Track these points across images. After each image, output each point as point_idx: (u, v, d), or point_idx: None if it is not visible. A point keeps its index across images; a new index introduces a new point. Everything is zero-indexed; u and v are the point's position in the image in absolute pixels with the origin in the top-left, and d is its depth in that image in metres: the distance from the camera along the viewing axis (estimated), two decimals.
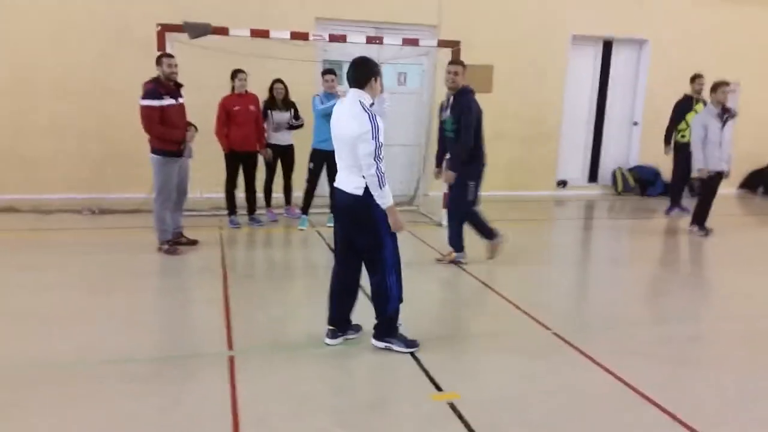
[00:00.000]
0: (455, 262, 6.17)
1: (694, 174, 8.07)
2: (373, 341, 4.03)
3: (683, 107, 9.07)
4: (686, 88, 9.06)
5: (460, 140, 5.72)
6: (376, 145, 3.63)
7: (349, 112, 3.72)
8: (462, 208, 6.00)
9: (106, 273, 5.69)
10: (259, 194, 7.86)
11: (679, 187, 9.36)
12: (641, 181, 10.97)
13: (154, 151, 6.12)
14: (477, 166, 5.88)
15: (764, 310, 5.26)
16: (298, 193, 8.21)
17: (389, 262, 3.87)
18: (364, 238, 3.88)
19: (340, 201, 3.92)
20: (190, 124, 6.50)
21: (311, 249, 6.93)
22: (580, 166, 11.27)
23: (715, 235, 7.80)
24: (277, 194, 8.12)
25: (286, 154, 7.93)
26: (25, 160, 8.59)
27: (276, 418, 3.22)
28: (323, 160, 7.34)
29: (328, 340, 4.14)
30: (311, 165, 7.40)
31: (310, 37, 7.65)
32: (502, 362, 3.98)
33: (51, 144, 8.63)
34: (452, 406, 3.36)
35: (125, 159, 8.42)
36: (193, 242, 6.65)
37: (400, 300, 3.95)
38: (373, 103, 3.79)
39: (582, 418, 3.32)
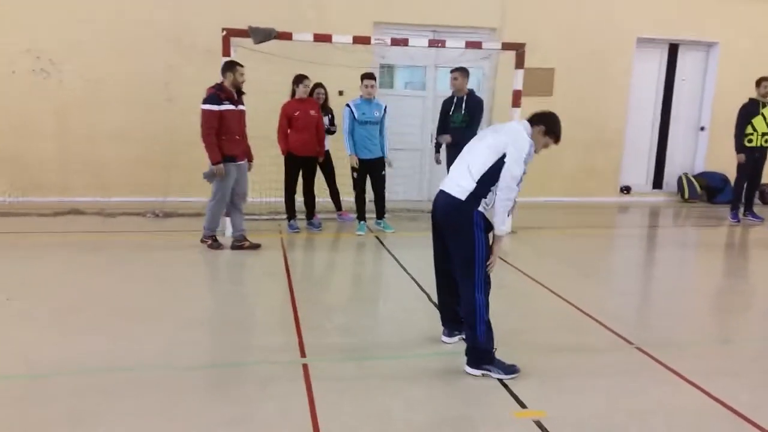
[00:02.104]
0: None
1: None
2: (468, 369, 3.76)
3: (750, 111, 8.71)
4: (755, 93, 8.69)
5: (472, 126, 7.23)
6: (523, 172, 3.62)
7: (508, 126, 3.76)
8: None
9: (172, 277, 5.71)
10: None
11: (748, 194, 8.95)
12: (708, 188, 10.52)
13: None
14: None
15: None
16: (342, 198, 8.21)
17: (478, 278, 3.69)
18: (457, 246, 3.74)
19: (439, 203, 3.83)
20: (250, 159, 6.68)
21: (372, 254, 6.84)
22: (644, 172, 10.87)
23: None
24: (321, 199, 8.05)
25: (325, 159, 7.82)
26: (90, 165, 8.79)
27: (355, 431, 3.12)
28: (365, 168, 7.35)
29: (444, 339, 4.20)
30: (355, 174, 7.39)
31: (372, 41, 7.58)
32: (587, 378, 3.77)
33: (117, 149, 8.80)
34: (539, 425, 3.19)
35: (188, 164, 8.48)
36: (256, 246, 6.65)
37: (488, 324, 3.73)
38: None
39: None
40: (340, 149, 7.77)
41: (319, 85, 7.75)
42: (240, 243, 6.59)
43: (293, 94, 7.39)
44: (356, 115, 7.20)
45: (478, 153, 3.73)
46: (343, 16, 8.90)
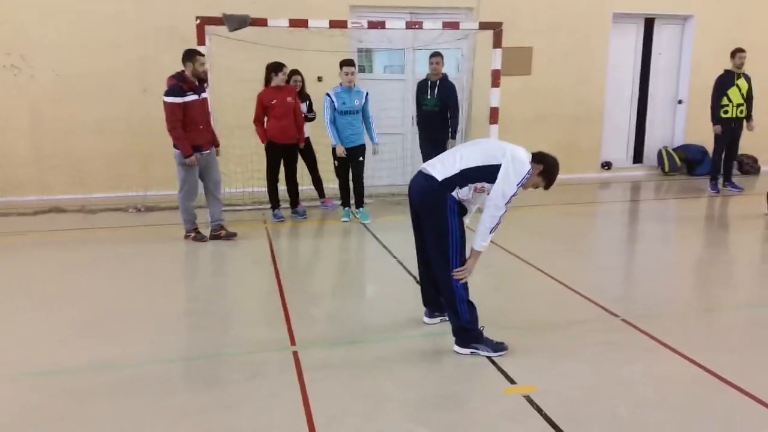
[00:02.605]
0: None
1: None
2: (456, 348, 3.79)
3: (725, 83, 8.82)
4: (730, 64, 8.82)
5: (453, 114, 7.65)
6: (514, 194, 3.61)
7: (515, 148, 3.69)
8: None
9: (158, 271, 5.68)
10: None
11: (726, 164, 9.09)
12: (688, 161, 10.64)
13: (175, 145, 6.22)
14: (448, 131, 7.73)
15: None
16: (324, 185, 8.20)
17: (453, 261, 3.70)
18: (431, 230, 3.76)
19: (415, 183, 3.84)
20: (215, 144, 6.63)
21: (357, 240, 6.85)
22: (624, 147, 10.95)
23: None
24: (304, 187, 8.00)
25: (305, 147, 7.76)
26: (70, 161, 8.66)
27: (349, 415, 3.14)
28: (347, 156, 7.28)
29: (426, 319, 4.25)
30: (336, 163, 7.36)
31: (349, 25, 7.54)
32: (575, 352, 3.83)
33: (96, 144, 8.67)
34: (529, 399, 3.24)
35: (167, 156, 8.33)
36: (233, 235, 6.65)
37: (470, 303, 3.77)
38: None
39: (668, 407, 3.17)
40: (320, 136, 7.73)
41: (295, 71, 7.66)
42: (217, 232, 6.59)
43: (267, 81, 7.27)
44: (336, 105, 7.09)
45: (473, 150, 3.75)
46: (319, 0, 8.80)
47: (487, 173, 3.62)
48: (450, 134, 7.66)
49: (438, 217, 3.67)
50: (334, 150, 7.25)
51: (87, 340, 4.11)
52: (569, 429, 2.96)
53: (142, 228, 7.21)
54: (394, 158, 9.27)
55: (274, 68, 7.19)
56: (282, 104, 7.21)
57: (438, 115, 7.59)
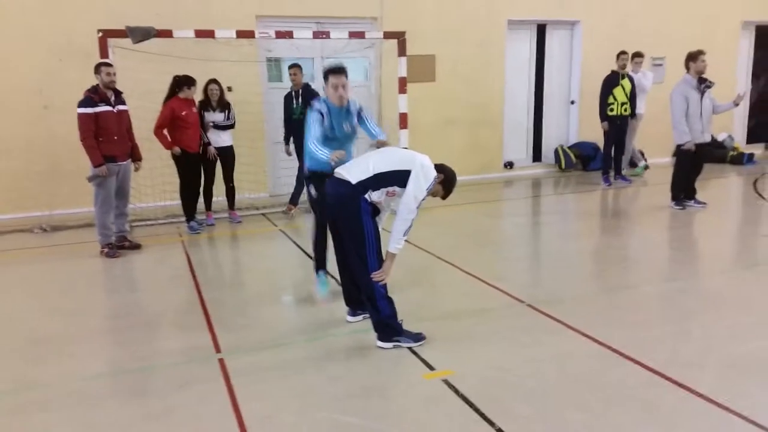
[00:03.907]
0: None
1: (688, 146, 7.57)
2: (379, 343, 3.99)
3: (610, 83, 9.59)
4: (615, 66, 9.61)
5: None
6: (423, 198, 3.90)
7: (422, 157, 3.95)
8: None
9: (73, 289, 5.55)
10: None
11: (616, 157, 9.86)
12: (582, 157, 11.42)
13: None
14: None
15: (715, 268, 5.66)
16: (243, 194, 8.22)
17: (371, 261, 3.91)
18: (347, 231, 3.96)
19: (329, 188, 4.03)
20: (136, 158, 6.72)
21: (277, 246, 6.93)
22: (524, 146, 11.63)
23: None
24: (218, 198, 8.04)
25: (225, 155, 7.83)
26: None
27: (280, 412, 3.27)
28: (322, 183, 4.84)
29: (348, 318, 4.45)
30: (315, 194, 4.93)
31: (256, 35, 7.63)
32: (487, 337, 4.14)
33: None
34: (447, 383, 3.50)
35: (73, 174, 8.09)
36: (137, 246, 6.72)
37: (389, 299, 3.98)
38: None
39: (573, 381, 3.51)
40: (241, 146, 8.05)
41: (213, 81, 7.69)
42: (120, 243, 6.62)
43: (172, 93, 7.26)
44: (326, 126, 4.58)
45: (385, 157, 3.99)
46: (225, 9, 8.82)
47: (399, 178, 3.87)
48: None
49: (353, 219, 3.88)
50: (311, 176, 4.84)
51: (8, 362, 4.01)
52: (485, 407, 3.24)
53: (51, 248, 6.97)
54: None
55: (186, 82, 7.23)
56: (191, 115, 7.32)
57: (305, 120, 7.55)
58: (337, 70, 4.48)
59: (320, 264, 5.18)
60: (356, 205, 3.86)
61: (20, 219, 8.10)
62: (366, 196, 3.88)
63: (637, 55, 9.93)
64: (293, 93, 7.89)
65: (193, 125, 7.35)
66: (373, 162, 3.92)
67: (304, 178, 5.22)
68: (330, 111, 4.56)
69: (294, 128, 7.86)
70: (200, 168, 7.58)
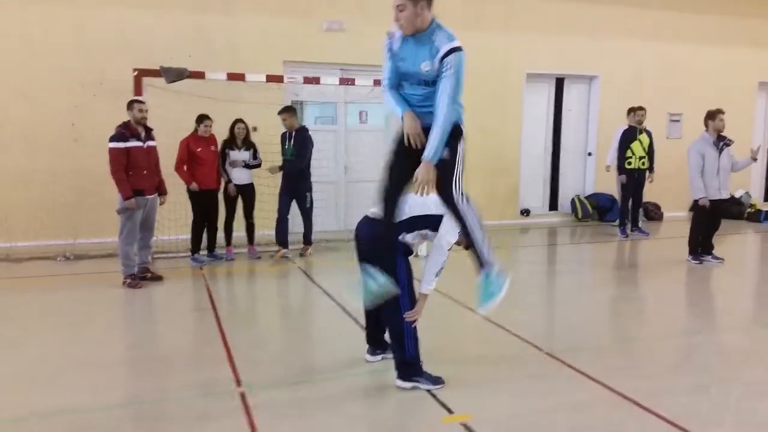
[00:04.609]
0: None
1: (702, 202, 7.69)
2: (398, 382, 4.02)
3: (628, 137, 9.73)
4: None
5: (301, 160, 7.99)
6: (454, 241, 3.98)
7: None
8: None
9: (94, 319, 5.65)
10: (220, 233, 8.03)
11: (633, 211, 9.92)
12: (599, 208, 11.50)
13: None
14: (310, 182, 8.21)
15: (732, 324, 5.65)
16: (262, 231, 8.36)
17: (403, 302, 3.97)
18: (381, 265, 3.95)
19: (363, 228, 4.11)
20: (162, 193, 6.91)
21: (296, 284, 7.02)
22: (540, 195, 11.75)
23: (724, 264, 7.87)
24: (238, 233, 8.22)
25: (246, 193, 8.07)
26: None
27: None
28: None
29: (368, 357, 4.45)
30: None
31: (285, 80, 7.88)
32: (505, 383, 4.17)
33: (21, 193, 8.47)
34: (466, 427, 3.52)
35: (98, 204, 8.34)
36: (159, 278, 6.84)
37: (416, 339, 4.03)
38: None
39: (587, 430, 3.52)
40: (262, 185, 8.20)
41: (239, 120, 7.97)
42: (143, 275, 6.73)
43: (196, 131, 7.63)
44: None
45: (422, 201, 3.93)
46: (255, 55, 9.13)
47: (432, 222, 3.97)
48: (308, 187, 8.15)
49: (387, 259, 3.95)
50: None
51: (27, 390, 4.07)
52: None
53: (74, 276, 7.11)
54: (327, 205, 9.56)
55: (198, 119, 7.59)
56: (206, 152, 7.61)
57: (296, 164, 7.96)
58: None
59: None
60: (390, 244, 3.94)
61: (44, 246, 8.26)
62: (400, 237, 3.97)
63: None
64: (287, 134, 8.08)
65: (208, 162, 7.63)
66: (410, 205, 4.00)
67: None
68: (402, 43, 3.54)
69: (285, 168, 8.07)
70: (211, 205, 7.77)
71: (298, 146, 7.95)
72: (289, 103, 9.42)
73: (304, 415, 3.70)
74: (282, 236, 8.16)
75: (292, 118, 8.02)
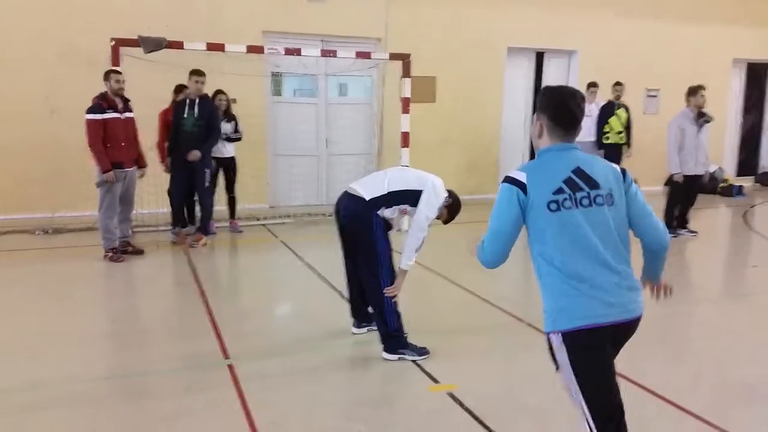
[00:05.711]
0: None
1: (677, 177, 7.77)
2: (385, 355, 4.09)
3: (606, 112, 9.81)
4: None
5: (213, 134, 7.19)
6: (434, 217, 4.03)
7: (434, 177, 4.10)
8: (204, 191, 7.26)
9: (77, 292, 5.62)
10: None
11: None
12: None
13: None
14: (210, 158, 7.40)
15: (705, 296, 5.84)
16: (243, 205, 8.32)
17: (383, 275, 4.04)
18: (360, 246, 4.09)
19: (342, 203, 4.16)
20: (141, 165, 6.80)
21: (278, 258, 7.03)
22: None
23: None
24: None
25: (228, 166, 7.95)
26: None
27: (289, 418, 3.37)
28: None
29: (354, 329, 4.49)
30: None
31: (265, 51, 7.78)
32: (488, 353, 4.28)
33: None
34: (452, 396, 3.62)
35: (76, 177, 8.19)
36: (140, 251, 6.79)
37: (398, 313, 4.10)
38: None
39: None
40: (245, 158, 8.10)
41: (220, 91, 7.83)
42: (124, 248, 6.68)
43: (175, 100, 7.48)
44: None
45: (400, 176, 4.11)
46: (234, 24, 8.99)
47: (411, 197, 4.01)
48: (207, 159, 7.23)
49: (367, 235, 4.01)
50: None
51: (13, 361, 4.07)
52: (488, 419, 3.36)
53: (54, 250, 7.03)
54: (308, 180, 9.55)
55: (176, 89, 7.52)
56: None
57: (197, 135, 7.03)
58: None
59: None
60: (369, 221, 3.99)
61: (22, 220, 8.14)
62: (378, 212, 4.01)
63: (593, 85, 9.84)
64: (187, 102, 7.10)
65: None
66: (389, 180, 4.06)
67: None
68: None
69: (180, 142, 7.06)
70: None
71: (203, 117, 7.07)
72: (269, 75, 9.34)
73: (293, 386, 3.76)
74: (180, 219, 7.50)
75: (204, 85, 7.14)
